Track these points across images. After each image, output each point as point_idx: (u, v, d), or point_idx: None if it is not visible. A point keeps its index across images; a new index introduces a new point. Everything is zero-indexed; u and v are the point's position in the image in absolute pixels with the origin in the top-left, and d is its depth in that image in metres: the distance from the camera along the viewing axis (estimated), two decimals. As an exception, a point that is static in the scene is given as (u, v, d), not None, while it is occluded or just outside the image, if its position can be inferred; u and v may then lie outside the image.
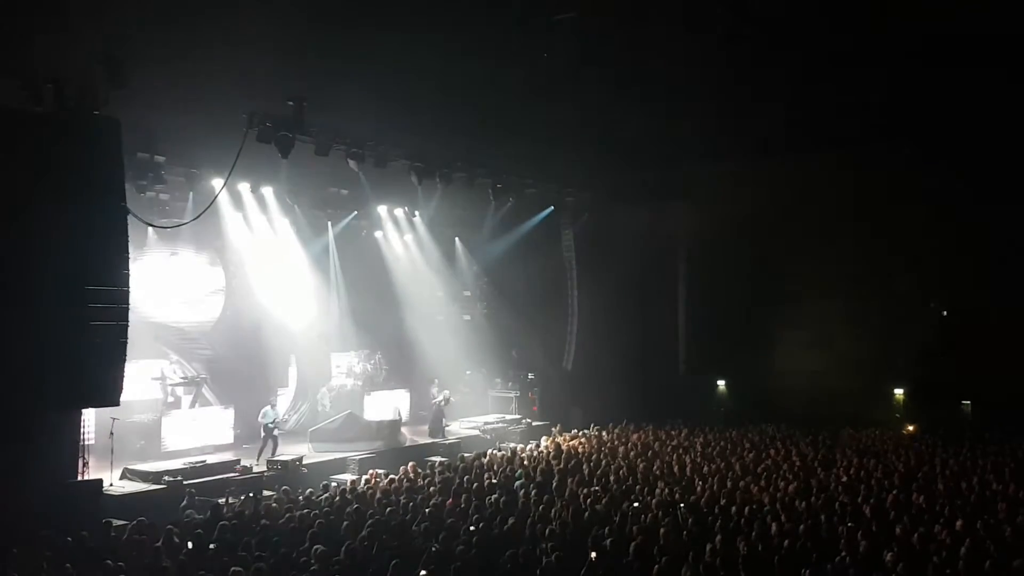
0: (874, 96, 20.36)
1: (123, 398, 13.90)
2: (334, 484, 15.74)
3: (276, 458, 17.42)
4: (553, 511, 12.49)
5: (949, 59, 18.32)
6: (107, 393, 13.46)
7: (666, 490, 14.09)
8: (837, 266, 25.23)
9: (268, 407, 18.61)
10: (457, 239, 26.13)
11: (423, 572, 9.61)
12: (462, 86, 17.50)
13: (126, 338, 13.45)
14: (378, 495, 14.05)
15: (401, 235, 24.67)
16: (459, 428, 22.68)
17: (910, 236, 23.96)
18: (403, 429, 21.88)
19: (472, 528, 11.47)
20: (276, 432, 18.34)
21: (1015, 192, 21.86)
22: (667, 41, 17.31)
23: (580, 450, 19.29)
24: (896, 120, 21.82)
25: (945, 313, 25.34)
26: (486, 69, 17.19)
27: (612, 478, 15.33)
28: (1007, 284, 22.56)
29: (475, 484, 14.61)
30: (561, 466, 16.65)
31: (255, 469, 16.91)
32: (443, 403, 22.40)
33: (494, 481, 15.18)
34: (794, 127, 22.47)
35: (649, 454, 18.24)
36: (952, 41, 17.51)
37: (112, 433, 15.66)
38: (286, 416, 21.22)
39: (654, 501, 13.14)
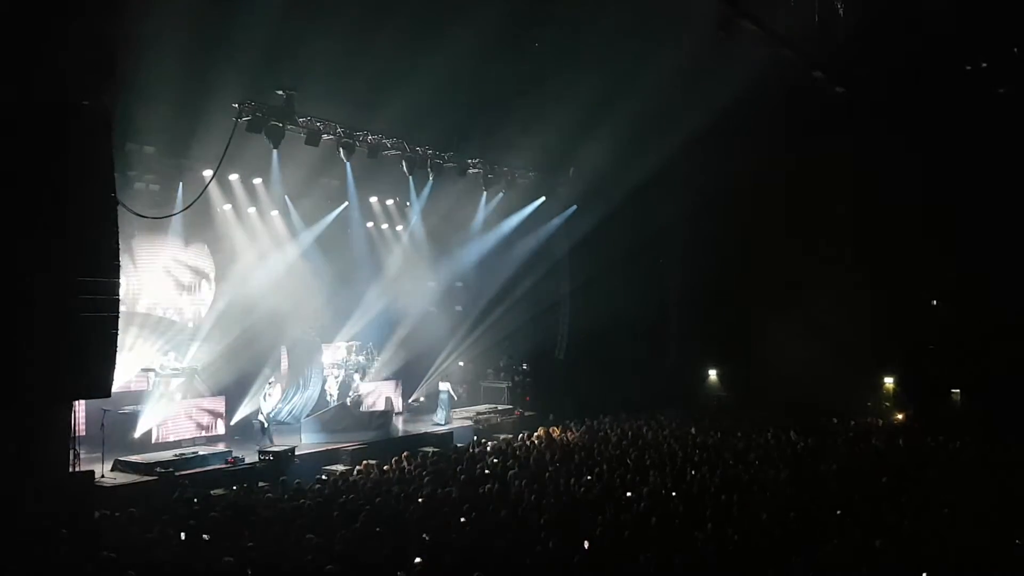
0: (869, 88, 20.46)
1: (114, 389, 13.86)
2: (326, 475, 15.75)
3: (268, 449, 17.42)
4: (545, 501, 12.53)
5: (946, 57, 18.51)
6: (98, 384, 13.41)
7: (658, 479, 14.15)
8: (828, 256, 25.29)
9: (262, 400, 18.77)
10: (449, 228, 26.13)
11: (416, 560, 9.62)
12: (454, 75, 17.46)
13: (117, 329, 13.40)
14: (370, 485, 14.06)
15: (392, 226, 24.67)
16: (452, 418, 22.78)
17: (901, 226, 24.04)
18: (395, 419, 21.97)
19: (464, 518, 11.49)
20: (266, 425, 18.40)
21: (1008, 184, 22.00)
22: (660, 30, 17.35)
23: (572, 440, 19.35)
24: (892, 113, 21.91)
25: (935, 302, 25.48)
26: (479, 58, 17.17)
27: (604, 467, 15.37)
28: (997, 275, 22.68)
29: (467, 474, 14.65)
30: (553, 456, 16.70)
31: (247, 460, 16.91)
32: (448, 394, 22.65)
33: (487, 471, 15.21)
34: (788, 119, 22.56)
35: (640, 443, 18.28)
36: (951, 40, 17.71)
37: (103, 424, 15.64)
38: (279, 406, 21.23)
39: (646, 490, 13.19)
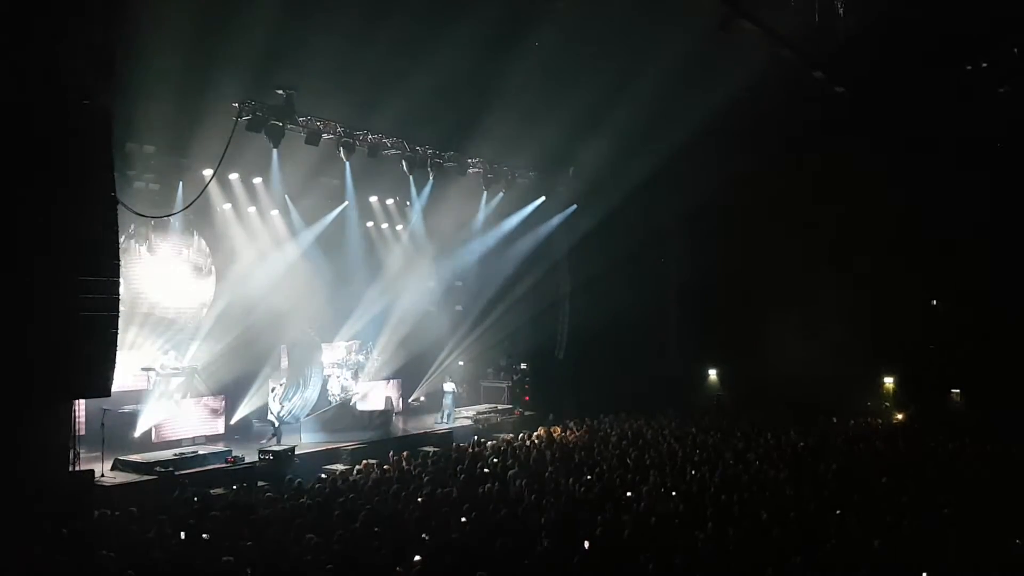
0: (869, 88, 20.46)
1: (114, 388, 13.85)
2: (326, 475, 15.75)
3: (268, 448, 17.42)
4: (545, 500, 12.53)
5: (946, 57, 18.50)
6: (98, 384, 13.39)
7: (657, 478, 14.15)
8: (828, 256, 25.30)
9: (270, 399, 18.83)
10: (449, 227, 26.14)
11: (416, 558, 9.63)
12: (454, 75, 17.44)
13: (117, 328, 13.38)
14: (370, 485, 14.06)
15: (392, 225, 24.66)
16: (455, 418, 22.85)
17: (902, 226, 24.05)
18: (395, 419, 21.98)
19: (464, 518, 11.49)
20: (277, 424, 18.54)
21: (1008, 185, 22.02)
22: (660, 30, 17.35)
23: (572, 440, 19.34)
24: (892, 113, 21.91)
25: (935, 303, 25.48)
26: (479, 58, 17.15)
27: (604, 467, 15.38)
28: (997, 275, 22.69)
29: (467, 474, 14.65)
30: (553, 456, 16.70)
31: (247, 459, 16.91)
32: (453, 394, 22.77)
33: (487, 471, 15.21)
34: (788, 119, 22.56)
35: (640, 443, 18.29)
36: (951, 40, 17.71)
37: (103, 424, 15.64)
38: (280, 406, 21.26)
39: (645, 490, 13.19)
